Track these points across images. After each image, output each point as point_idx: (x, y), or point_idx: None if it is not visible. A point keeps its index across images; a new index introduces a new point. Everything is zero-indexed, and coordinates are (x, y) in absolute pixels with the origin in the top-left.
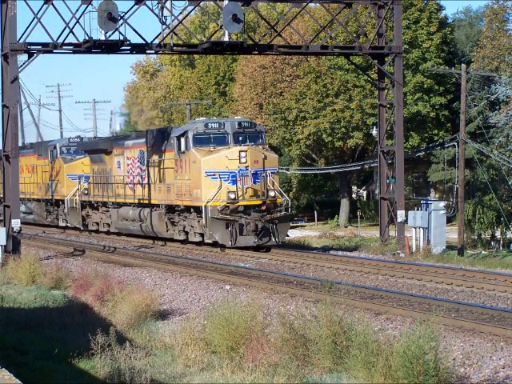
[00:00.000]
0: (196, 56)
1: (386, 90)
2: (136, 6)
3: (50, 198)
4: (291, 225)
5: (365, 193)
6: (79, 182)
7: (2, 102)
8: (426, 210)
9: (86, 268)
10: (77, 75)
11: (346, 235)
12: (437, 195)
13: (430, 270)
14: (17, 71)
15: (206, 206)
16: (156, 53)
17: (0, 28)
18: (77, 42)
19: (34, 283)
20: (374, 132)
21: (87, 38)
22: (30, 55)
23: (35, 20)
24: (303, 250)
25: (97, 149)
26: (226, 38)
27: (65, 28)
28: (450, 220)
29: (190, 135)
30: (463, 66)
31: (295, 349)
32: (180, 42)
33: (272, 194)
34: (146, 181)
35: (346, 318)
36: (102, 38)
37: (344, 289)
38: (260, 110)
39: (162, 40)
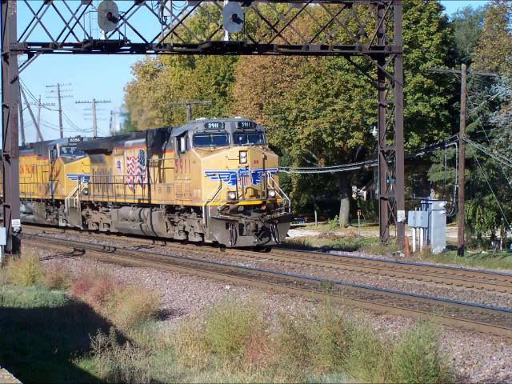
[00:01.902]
0: (196, 56)
1: (386, 90)
2: (136, 6)
3: (50, 198)
4: (291, 225)
5: (365, 193)
6: (79, 182)
7: (2, 101)
8: (426, 210)
9: (85, 268)
10: (77, 75)
11: (346, 235)
12: (437, 195)
13: (430, 270)
14: (17, 71)
15: (205, 206)
16: (156, 53)
17: (0, 28)
18: (77, 42)
19: (34, 283)
20: (374, 132)
21: (87, 38)
22: (30, 55)
23: (35, 20)
24: (303, 250)
25: (97, 149)
26: (226, 38)
27: (65, 28)
28: (450, 220)
29: (190, 135)
30: (463, 66)
31: (295, 349)
32: (180, 42)
33: (272, 194)
34: (145, 181)
35: (346, 318)
36: (102, 38)
37: (344, 289)
38: (260, 110)
39: (162, 40)
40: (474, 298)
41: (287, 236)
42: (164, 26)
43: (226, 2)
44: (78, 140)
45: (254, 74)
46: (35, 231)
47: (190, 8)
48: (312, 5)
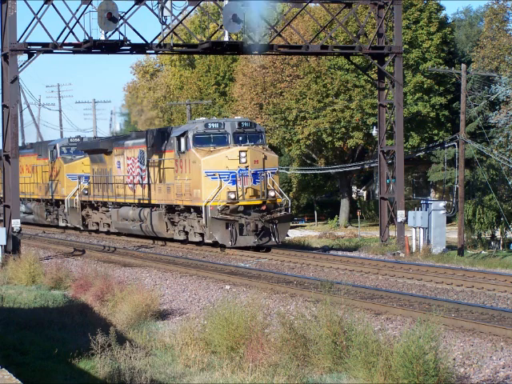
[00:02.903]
0: (196, 56)
1: (386, 90)
2: (136, 6)
3: (50, 197)
4: (291, 225)
5: (365, 193)
6: (79, 182)
7: (2, 101)
8: (426, 210)
9: (85, 268)
10: (77, 75)
11: (346, 235)
12: (437, 195)
13: (430, 270)
14: (17, 71)
15: (205, 206)
16: (156, 53)
17: (0, 28)
18: (77, 42)
19: (34, 283)
20: (374, 132)
21: (87, 38)
22: (30, 55)
23: (35, 20)
24: (303, 250)
25: (97, 149)
26: (226, 38)
27: (65, 28)
28: (450, 220)
29: (190, 135)
30: (463, 66)
31: (295, 349)
32: (180, 42)
33: (272, 194)
34: (145, 181)
35: (346, 318)
36: (102, 38)
37: (344, 289)
38: (260, 110)
39: (162, 40)
40: (474, 298)
41: (287, 236)
42: (164, 26)
43: (226, 2)
44: (78, 140)
45: (254, 73)
46: (35, 231)
47: (190, 8)
48: (312, 5)
